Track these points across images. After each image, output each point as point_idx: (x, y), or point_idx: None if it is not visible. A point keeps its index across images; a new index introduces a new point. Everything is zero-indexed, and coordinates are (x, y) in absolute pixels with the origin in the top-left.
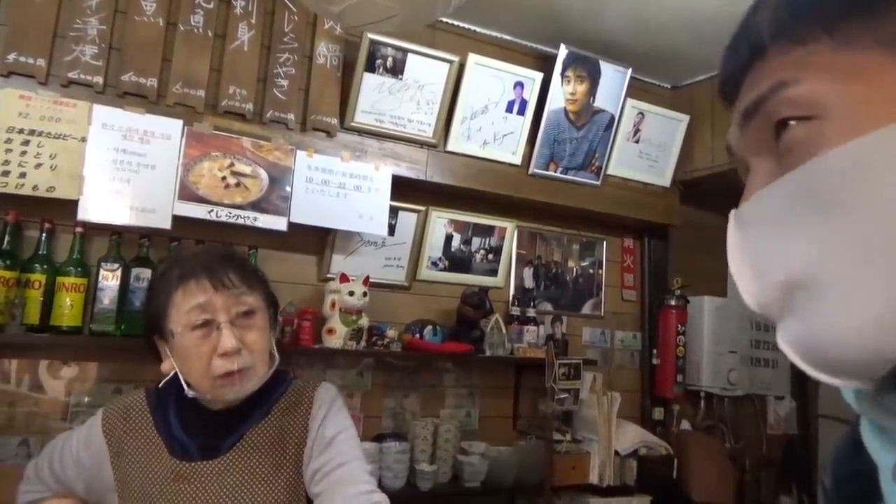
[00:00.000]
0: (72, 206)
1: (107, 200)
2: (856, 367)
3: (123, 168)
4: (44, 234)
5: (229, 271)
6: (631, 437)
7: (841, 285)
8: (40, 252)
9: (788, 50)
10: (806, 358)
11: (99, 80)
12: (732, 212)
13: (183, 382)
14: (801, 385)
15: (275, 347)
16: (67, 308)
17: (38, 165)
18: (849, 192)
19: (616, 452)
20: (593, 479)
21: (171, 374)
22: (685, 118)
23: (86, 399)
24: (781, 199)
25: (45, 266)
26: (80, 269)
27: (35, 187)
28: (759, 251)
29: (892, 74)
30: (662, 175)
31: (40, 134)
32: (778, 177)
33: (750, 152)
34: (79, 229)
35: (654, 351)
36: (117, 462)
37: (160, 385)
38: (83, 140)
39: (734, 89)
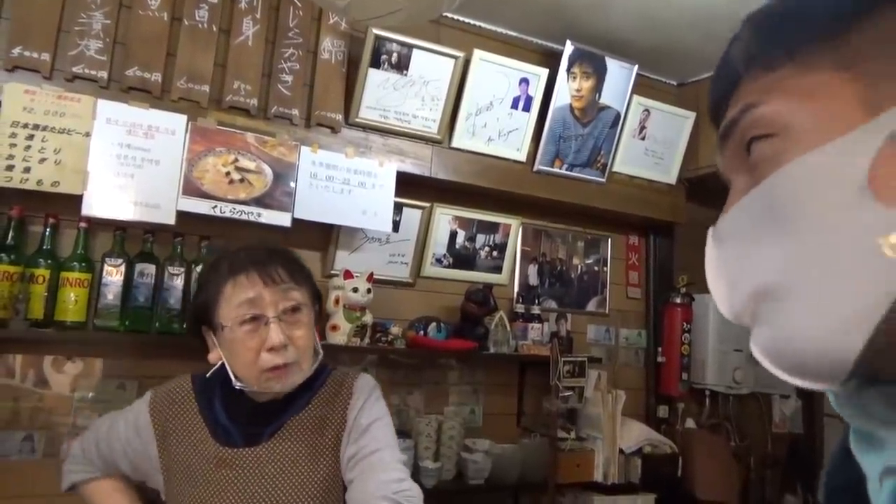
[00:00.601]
0: (76, 201)
1: (111, 196)
2: (819, 370)
3: (127, 163)
4: (48, 229)
5: (278, 266)
6: (635, 435)
7: (798, 294)
8: (44, 247)
9: (758, 76)
10: (775, 362)
11: (103, 74)
12: (710, 229)
13: (231, 374)
14: None
15: (318, 342)
16: (71, 303)
17: (43, 160)
18: (797, 204)
19: (620, 450)
20: (597, 477)
21: (218, 364)
22: (691, 115)
23: (90, 394)
24: (747, 213)
25: (49, 261)
26: (84, 264)
27: (39, 182)
28: (731, 264)
29: (843, 94)
30: (668, 172)
31: (45, 129)
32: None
33: (729, 171)
34: (83, 224)
35: (659, 349)
36: (163, 445)
37: (208, 375)
38: (87, 135)
39: (720, 117)
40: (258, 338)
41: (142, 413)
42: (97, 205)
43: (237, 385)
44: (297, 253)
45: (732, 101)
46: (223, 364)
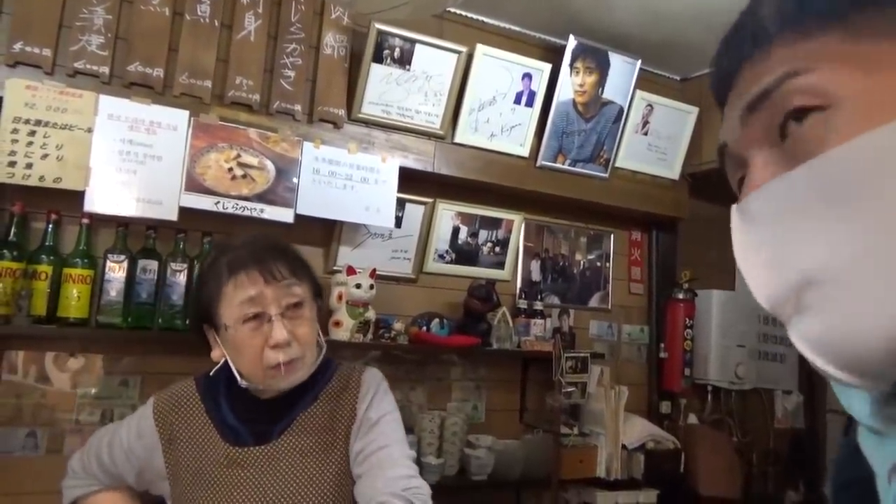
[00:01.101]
0: (78, 197)
1: (113, 192)
2: (879, 367)
3: (130, 159)
4: (50, 226)
5: (278, 262)
6: (638, 430)
7: (865, 281)
8: (47, 243)
9: (795, 41)
10: (826, 356)
11: (105, 70)
12: (735, 206)
13: (235, 373)
14: (809, 379)
15: (321, 336)
16: (74, 300)
17: (45, 156)
18: (871, 183)
19: (623, 446)
20: (600, 472)
21: (222, 362)
22: (694, 110)
23: (92, 391)
24: (795, 191)
25: (51, 257)
26: (86, 260)
27: (41, 178)
28: (771, 246)
29: None
30: (671, 168)
31: (46, 124)
32: (785, 168)
33: (750, 145)
34: (85, 221)
35: (662, 344)
36: (169, 450)
37: (211, 373)
38: (89, 131)
39: (729, 84)
40: (261, 335)
41: (145, 419)
42: (99, 201)
43: (242, 384)
44: (295, 247)
45: (761, 67)
46: (226, 363)
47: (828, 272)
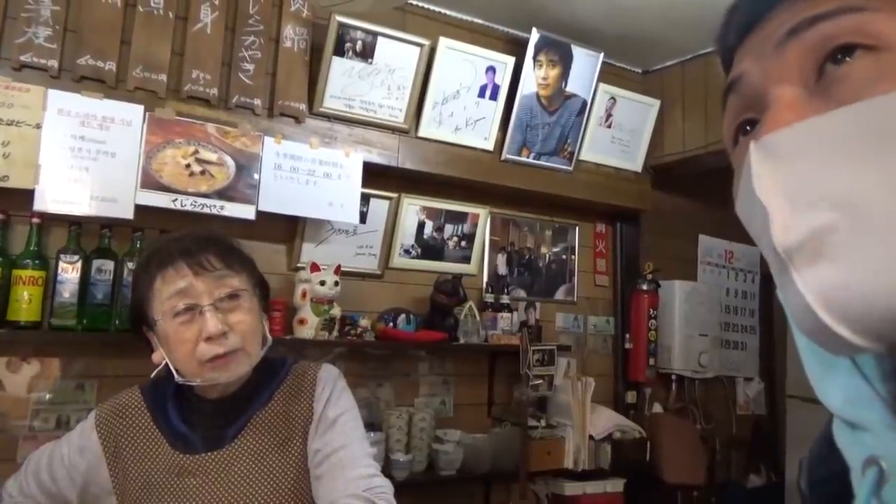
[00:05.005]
0: (27, 195)
1: (65, 190)
2: (889, 325)
3: (82, 156)
4: None
5: (209, 255)
6: (605, 421)
7: (892, 227)
8: None
9: None
10: (831, 307)
11: (54, 63)
12: (755, 143)
13: (172, 370)
14: (769, 366)
15: (267, 329)
16: (25, 302)
17: None
18: None
19: (590, 437)
20: (568, 464)
21: (163, 364)
22: (656, 103)
23: (47, 396)
24: (836, 130)
25: None
26: (37, 261)
27: None
28: (797, 183)
29: None
30: (634, 160)
31: None
32: (817, 110)
33: (777, 78)
34: (35, 220)
35: (627, 335)
36: (115, 463)
37: (152, 376)
38: (38, 127)
39: (751, 25)
40: (194, 328)
41: (87, 432)
42: (50, 199)
43: (179, 380)
44: (234, 239)
45: (805, 4)
46: (167, 365)
47: (854, 216)
